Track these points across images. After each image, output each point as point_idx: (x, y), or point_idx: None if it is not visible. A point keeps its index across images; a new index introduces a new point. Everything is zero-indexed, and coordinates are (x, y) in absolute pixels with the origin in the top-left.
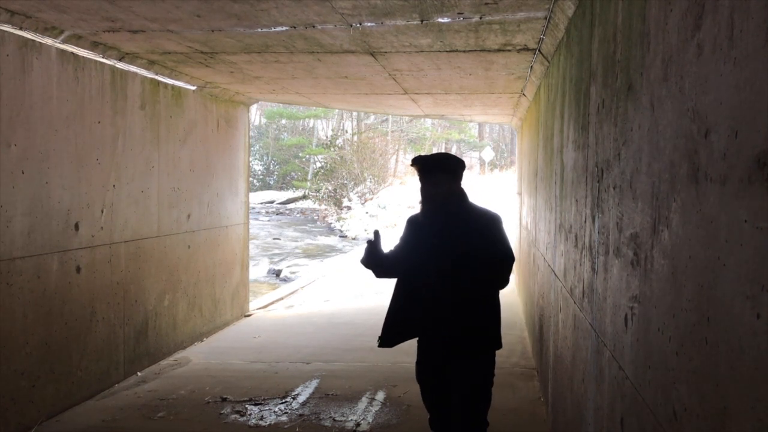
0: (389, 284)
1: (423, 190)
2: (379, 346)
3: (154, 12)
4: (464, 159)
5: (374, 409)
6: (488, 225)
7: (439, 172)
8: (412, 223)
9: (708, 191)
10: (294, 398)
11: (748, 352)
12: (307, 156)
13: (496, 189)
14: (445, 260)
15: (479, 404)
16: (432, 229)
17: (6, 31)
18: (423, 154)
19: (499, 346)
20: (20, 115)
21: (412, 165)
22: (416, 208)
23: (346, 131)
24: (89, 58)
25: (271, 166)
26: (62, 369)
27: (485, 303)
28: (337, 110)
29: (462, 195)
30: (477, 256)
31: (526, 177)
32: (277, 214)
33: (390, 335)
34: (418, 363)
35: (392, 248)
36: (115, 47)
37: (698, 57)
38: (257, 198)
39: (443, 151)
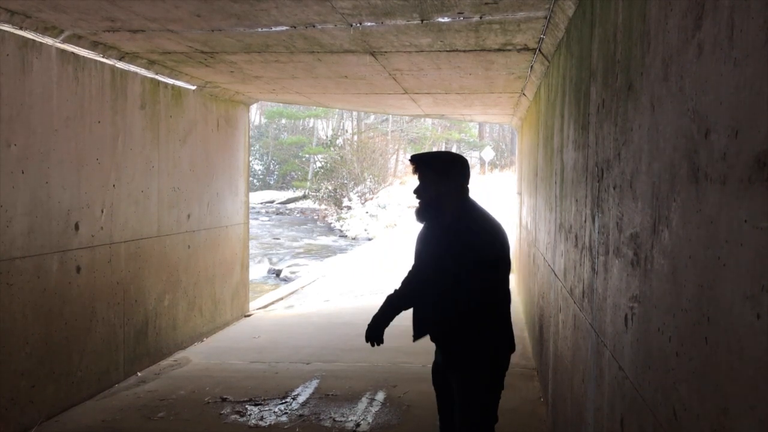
0: (388, 285)
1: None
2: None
3: (154, 12)
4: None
5: (374, 409)
6: (441, 238)
7: (427, 172)
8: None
9: (708, 191)
10: (294, 398)
11: (748, 352)
12: (307, 156)
13: (496, 189)
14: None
15: (462, 423)
16: (420, 234)
17: (6, 31)
18: (422, 152)
19: (469, 366)
20: (20, 115)
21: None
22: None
23: (346, 131)
24: (89, 58)
25: (271, 166)
26: (62, 369)
27: (451, 317)
28: (337, 110)
29: (445, 198)
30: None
31: (526, 177)
32: (277, 214)
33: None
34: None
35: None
36: (115, 47)
37: (698, 57)
38: (257, 198)
39: (445, 150)
